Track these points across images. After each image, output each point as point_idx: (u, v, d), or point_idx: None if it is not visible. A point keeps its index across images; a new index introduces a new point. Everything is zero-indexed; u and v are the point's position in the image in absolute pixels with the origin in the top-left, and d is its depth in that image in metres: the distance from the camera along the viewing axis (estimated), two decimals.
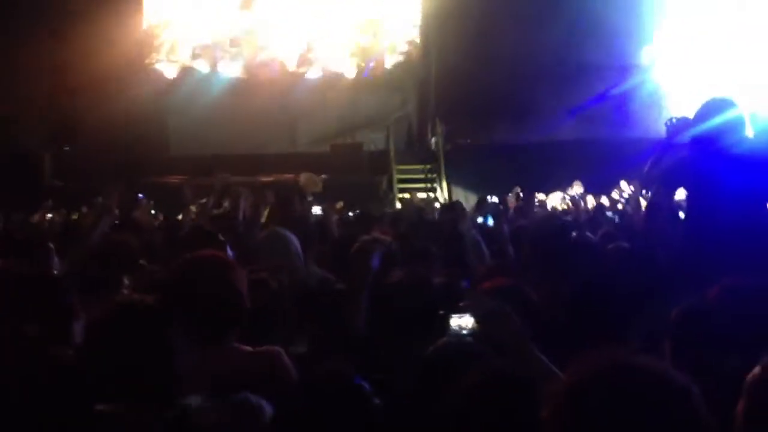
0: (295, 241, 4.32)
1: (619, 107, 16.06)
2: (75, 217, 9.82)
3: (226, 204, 7.26)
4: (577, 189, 11.55)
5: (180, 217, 7.48)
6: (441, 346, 2.29)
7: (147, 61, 17.56)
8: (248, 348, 2.58)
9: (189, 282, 2.52)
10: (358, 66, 18.02)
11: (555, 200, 11.56)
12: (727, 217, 3.72)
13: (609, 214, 5.47)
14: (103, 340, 2.17)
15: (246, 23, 17.94)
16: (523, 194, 9.79)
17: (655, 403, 1.27)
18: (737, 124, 3.90)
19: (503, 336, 2.20)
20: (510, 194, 11.13)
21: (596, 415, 1.28)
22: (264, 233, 4.68)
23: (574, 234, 4.70)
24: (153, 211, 8.77)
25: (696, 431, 1.29)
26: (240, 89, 17.16)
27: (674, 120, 4.38)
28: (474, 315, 2.28)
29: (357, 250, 3.23)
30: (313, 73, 18.00)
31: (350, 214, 9.45)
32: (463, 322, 2.30)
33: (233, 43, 17.86)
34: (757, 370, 1.77)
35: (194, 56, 17.79)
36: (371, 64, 17.97)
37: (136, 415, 2.03)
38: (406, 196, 14.76)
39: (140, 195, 7.96)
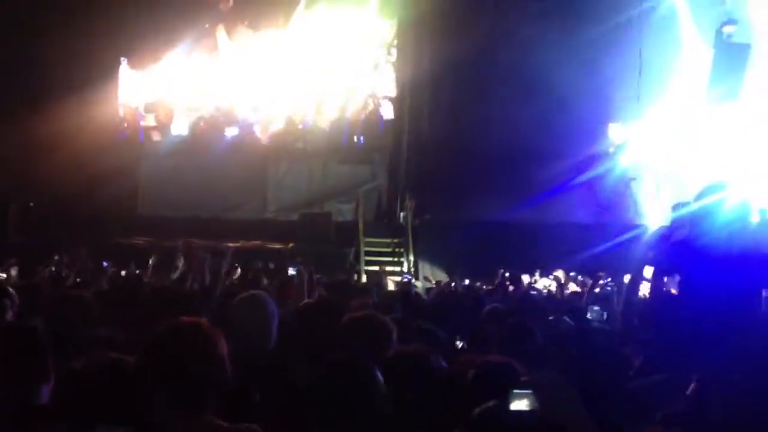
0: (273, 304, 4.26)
1: (588, 192, 16.35)
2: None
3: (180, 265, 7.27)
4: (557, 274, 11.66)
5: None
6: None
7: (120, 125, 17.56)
8: (224, 424, 2.51)
9: (170, 349, 2.45)
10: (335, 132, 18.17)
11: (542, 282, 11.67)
12: (717, 310, 3.74)
13: (596, 308, 5.46)
14: (79, 400, 2.09)
15: (221, 88, 18.07)
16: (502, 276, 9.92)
17: None
18: (738, 213, 3.93)
19: (564, 415, 2.19)
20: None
21: None
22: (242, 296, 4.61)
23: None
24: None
25: None
26: (212, 153, 17.15)
27: (679, 210, 4.36)
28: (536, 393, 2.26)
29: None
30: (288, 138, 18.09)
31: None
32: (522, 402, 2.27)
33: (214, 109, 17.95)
34: None
35: (166, 120, 17.82)
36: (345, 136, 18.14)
37: None
38: (374, 268, 14.77)
39: (105, 263, 7.88)
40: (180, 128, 17.79)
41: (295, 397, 2.89)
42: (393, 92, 18.26)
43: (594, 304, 6.14)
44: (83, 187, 15.44)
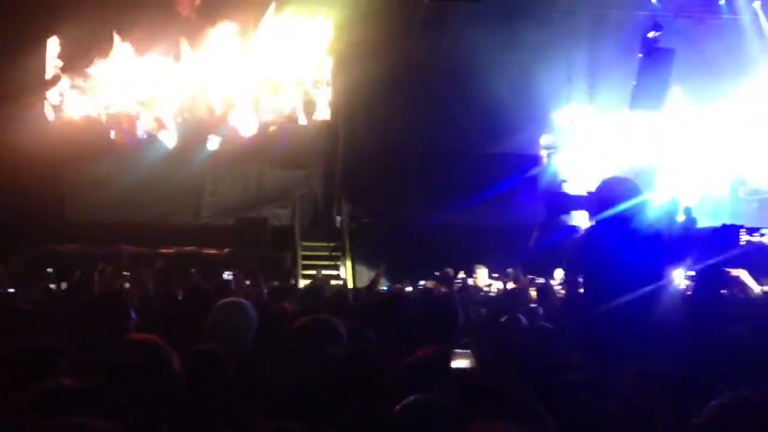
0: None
1: (519, 194, 16.61)
2: None
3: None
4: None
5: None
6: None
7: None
8: None
9: (125, 367, 2.41)
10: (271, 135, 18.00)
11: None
12: (623, 293, 3.86)
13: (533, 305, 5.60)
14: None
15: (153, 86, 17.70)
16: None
17: None
18: (636, 205, 4.06)
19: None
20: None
21: None
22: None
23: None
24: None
25: None
26: (143, 155, 16.81)
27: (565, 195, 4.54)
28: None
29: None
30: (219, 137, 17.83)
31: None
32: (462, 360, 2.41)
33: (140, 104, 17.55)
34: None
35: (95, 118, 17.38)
36: (285, 142, 18.00)
37: None
38: (312, 272, 14.73)
39: (49, 270, 7.71)
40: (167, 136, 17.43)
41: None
42: (328, 97, 18.23)
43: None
44: (6, 190, 14.91)
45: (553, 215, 4.20)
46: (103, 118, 17.30)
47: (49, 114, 16.98)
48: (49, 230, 14.86)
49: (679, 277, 8.62)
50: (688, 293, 5.81)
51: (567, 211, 4.51)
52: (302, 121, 18.04)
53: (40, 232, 14.41)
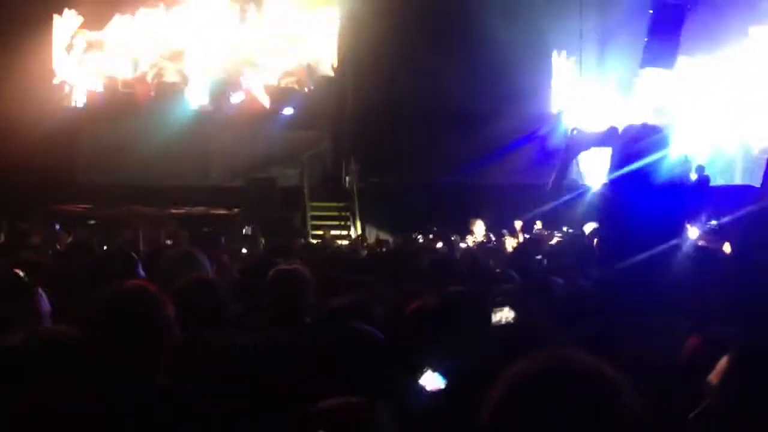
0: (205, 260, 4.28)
1: (531, 152, 16.54)
2: None
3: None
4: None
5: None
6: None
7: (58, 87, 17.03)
8: (174, 385, 2.48)
9: (117, 314, 2.41)
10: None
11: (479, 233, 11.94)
12: (643, 248, 3.85)
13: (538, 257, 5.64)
14: (18, 373, 2.03)
15: (166, 47, 17.64)
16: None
17: (586, 396, 1.32)
18: (658, 159, 3.99)
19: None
20: None
21: (531, 406, 1.32)
22: (174, 252, 4.61)
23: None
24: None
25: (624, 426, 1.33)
26: (155, 118, 16.78)
27: (575, 132, 4.50)
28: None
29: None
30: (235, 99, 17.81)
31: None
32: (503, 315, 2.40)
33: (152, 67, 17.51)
34: (723, 361, 1.86)
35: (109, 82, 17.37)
36: (291, 109, 17.95)
37: None
38: (319, 232, 14.77)
39: (57, 226, 7.74)
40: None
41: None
42: (335, 56, 18.11)
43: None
44: (19, 153, 14.96)
45: (571, 153, 4.11)
46: (119, 82, 17.30)
47: (64, 78, 16.99)
48: (61, 192, 14.90)
49: (694, 233, 8.62)
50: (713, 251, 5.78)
51: (587, 147, 4.44)
52: (309, 80, 17.96)
53: (53, 194, 14.45)
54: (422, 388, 2.37)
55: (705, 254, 4.74)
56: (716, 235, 8.66)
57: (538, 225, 11.91)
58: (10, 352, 2.07)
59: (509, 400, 1.34)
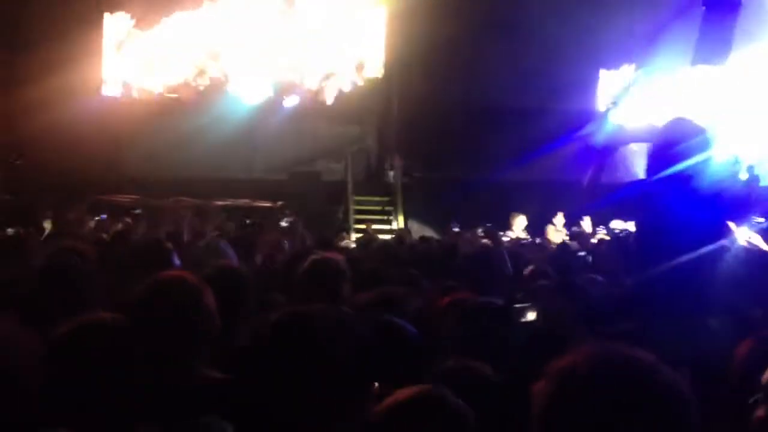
0: (229, 249, 4.35)
1: (578, 149, 16.34)
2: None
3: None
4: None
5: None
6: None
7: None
8: (218, 375, 2.49)
9: (158, 304, 2.42)
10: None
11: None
12: (677, 253, 3.73)
13: (582, 253, 5.56)
14: (64, 361, 2.04)
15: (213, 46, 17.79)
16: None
17: (644, 395, 1.26)
18: (699, 162, 3.84)
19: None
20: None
21: (583, 402, 1.26)
22: (200, 243, 4.69)
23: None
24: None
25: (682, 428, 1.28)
26: (200, 113, 16.96)
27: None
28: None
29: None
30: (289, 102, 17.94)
31: None
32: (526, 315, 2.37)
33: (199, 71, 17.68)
34: None
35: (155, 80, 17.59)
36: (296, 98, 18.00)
37: None
38: (362, 226, 14.80)
39: (103, 216, 7.87)
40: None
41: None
42: (381, 53, 18.10)
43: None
44: (68, 148, 15.27)
45: (610, 150, 3.98)
46: (165, 87, 17.52)
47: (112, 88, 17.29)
48: (108, 184, 15.17)
49: (744, 236, 8.38)
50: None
51: (626, 143, 4.34)
52: (355, 77, 17.98)
53: (101, 185, 14.72)
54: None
55: (752, 254, 4.63)
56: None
57: (586, 221, 11.68)
58: (60, 340, 2.07)
59: (562, 395, 1.29)
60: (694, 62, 16.54)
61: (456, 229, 11.54)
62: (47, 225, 9.13)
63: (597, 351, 1.32)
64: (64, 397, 1.98)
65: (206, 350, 2.49)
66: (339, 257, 3.87)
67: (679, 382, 1.30)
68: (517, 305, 2.35)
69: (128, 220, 8.28)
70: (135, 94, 17.49)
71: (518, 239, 10.65)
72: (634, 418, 1.24)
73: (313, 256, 3.81)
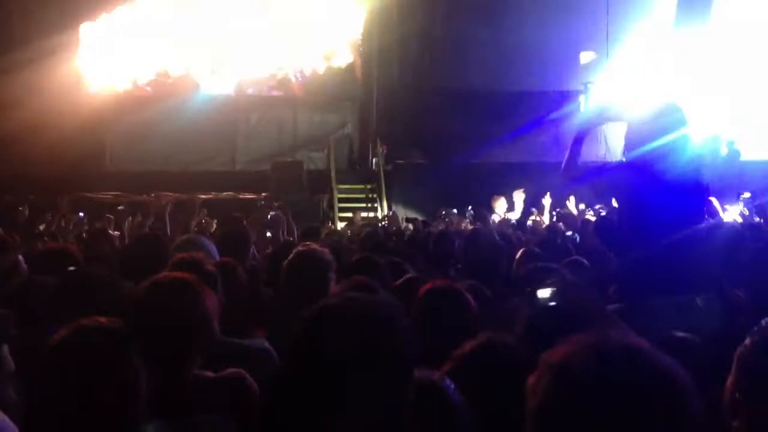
0: (211, 246, 4.36)
1: (558, 130, 16.37)
2: None
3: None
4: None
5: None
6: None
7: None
8: (210, 374, 2.49)
9: (155, 305, 2.41)
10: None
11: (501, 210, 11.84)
12: (657, 239, 3.73)
13: (569, 233, 5.57)
14: (63, 365, 2.01)
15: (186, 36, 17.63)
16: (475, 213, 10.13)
17: (645, 388, 1.23)
18: (668, 143, 3.83)
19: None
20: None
21: (581, 398, 1.23)
22: (180, 239, 4.69)
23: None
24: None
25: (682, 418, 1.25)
26: (180, 106, 16.85)
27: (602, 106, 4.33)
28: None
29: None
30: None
31: None
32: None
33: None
34: (747, 341, 1.81)
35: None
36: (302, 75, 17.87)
37: None
38: (348, 215, 14.78)
39: (80, 214, 7.81)
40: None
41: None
42: (359, 37, 18.01)
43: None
44: (48, 145, 15.16)
45: (588, 130, 3.89)
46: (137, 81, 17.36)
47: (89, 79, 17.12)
48: (90, 179, 15.08)
49: (733, 214, 8.41)
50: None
51: (600, 123, 4.25)
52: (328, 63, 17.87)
53: (82, 181, 14.62)
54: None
55: (735, 231, 4.65)
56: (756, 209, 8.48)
57: (571, 201, 11.64)
58: (59, 347, 2.06)
59: (560, 386, 1.26)
60: (676, 23, 16.35)
61: (443, 212, 11.51)
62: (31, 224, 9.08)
63: (593, 342, 1.28)
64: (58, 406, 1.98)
65: (203, 354, 2.49)
66: (323, 249, 3.85)
67: (680, 372, 1.27)
68: (540, 290, 2.32)
69: (110, 216, 8.21)
70: (114, 90, 17.33)
71: (505, 221, 10.66)
72: (635, 412, 1.21)
73: (298, 249, 3.80)
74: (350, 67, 18.14)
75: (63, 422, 1.96)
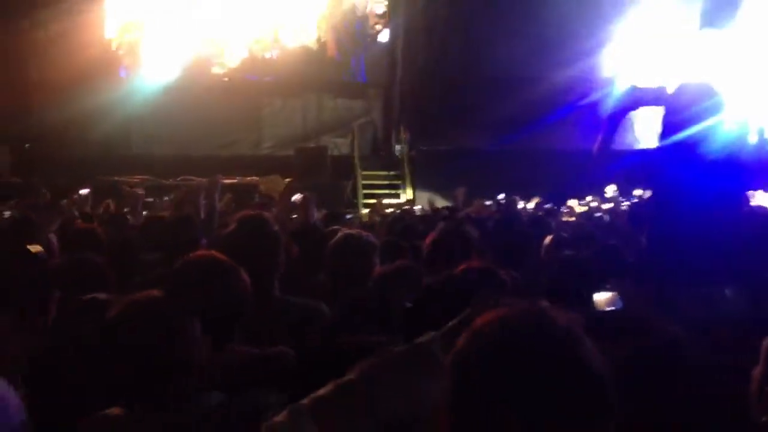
0: None
1: (586, 118, 16.22)
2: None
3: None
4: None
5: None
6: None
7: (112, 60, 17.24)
8: (254, 350, 2.54)
9: (190, 285, 2.45)
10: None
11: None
12: (693, 225, 3.67)
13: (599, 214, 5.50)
14: (124, 336, 2.07)
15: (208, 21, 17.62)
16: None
17: (550, 367, 1.22)
18: (708, 127, 3.77)
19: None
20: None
21: (485, 366, 1.24)
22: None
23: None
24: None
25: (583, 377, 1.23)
26: (204, 90, 16.90)
27: (636, 89, 4.30)
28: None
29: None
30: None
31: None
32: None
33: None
34: None
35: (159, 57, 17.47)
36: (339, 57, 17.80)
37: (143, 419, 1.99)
38: (372, 201, 14.75)
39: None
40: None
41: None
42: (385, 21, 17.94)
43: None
44: (75, 127, 15.30)
45: (619, 116, 3.82)
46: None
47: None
48: (116, 163, 15.19)
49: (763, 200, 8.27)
50: None
51: (635, 108, 4.19)
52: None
53: (108, 165, 14.73)
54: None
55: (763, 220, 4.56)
56: None
57: (610, 189, 11.41)
58: (113, 325, 2.10)
59: (470, 355, 1.27)
60: (701, 26, 16.35)
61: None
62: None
63: (512, 314, 1.29)
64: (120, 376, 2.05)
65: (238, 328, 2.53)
66: (367, 233, 3.89)
67: (598, 358, 1.24)
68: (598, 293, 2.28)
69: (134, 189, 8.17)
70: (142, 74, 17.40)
71: (537, 208, 10.54)
72: (536, 390, 1.20)
73: (346, 232, 3.84)
74: (377, 52, 18.07)
75: (125, 393, 2.02)
